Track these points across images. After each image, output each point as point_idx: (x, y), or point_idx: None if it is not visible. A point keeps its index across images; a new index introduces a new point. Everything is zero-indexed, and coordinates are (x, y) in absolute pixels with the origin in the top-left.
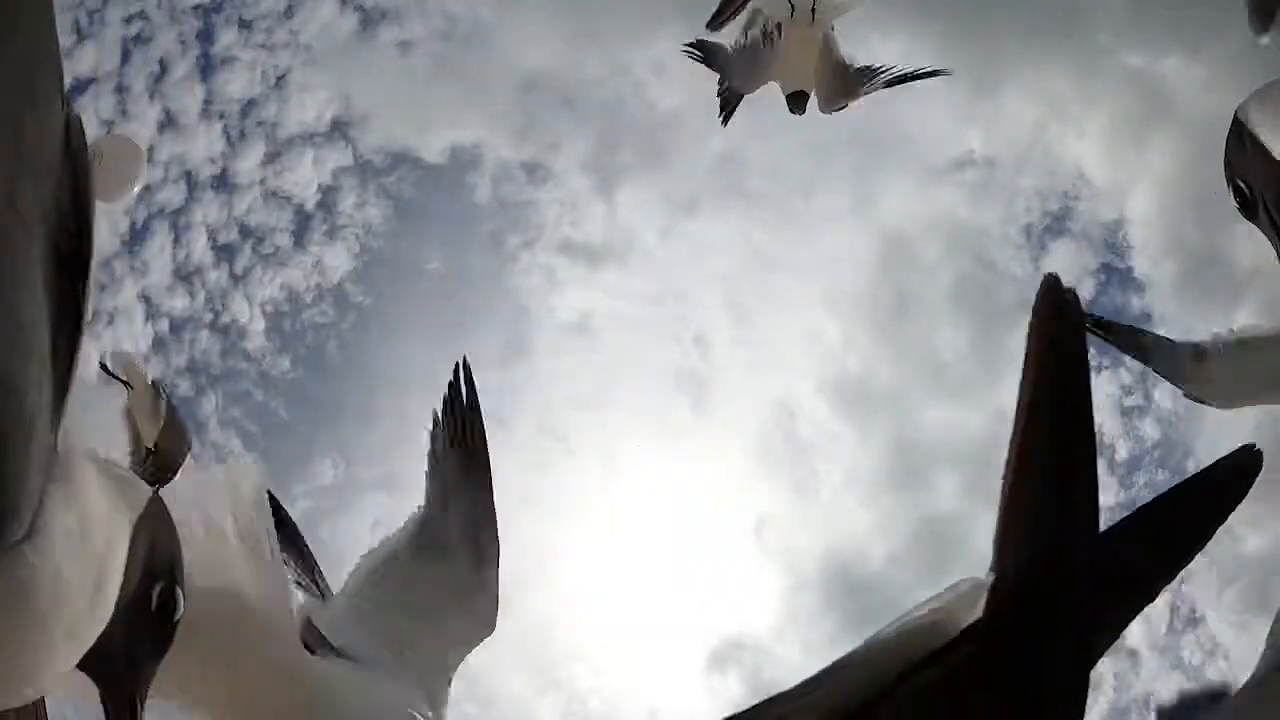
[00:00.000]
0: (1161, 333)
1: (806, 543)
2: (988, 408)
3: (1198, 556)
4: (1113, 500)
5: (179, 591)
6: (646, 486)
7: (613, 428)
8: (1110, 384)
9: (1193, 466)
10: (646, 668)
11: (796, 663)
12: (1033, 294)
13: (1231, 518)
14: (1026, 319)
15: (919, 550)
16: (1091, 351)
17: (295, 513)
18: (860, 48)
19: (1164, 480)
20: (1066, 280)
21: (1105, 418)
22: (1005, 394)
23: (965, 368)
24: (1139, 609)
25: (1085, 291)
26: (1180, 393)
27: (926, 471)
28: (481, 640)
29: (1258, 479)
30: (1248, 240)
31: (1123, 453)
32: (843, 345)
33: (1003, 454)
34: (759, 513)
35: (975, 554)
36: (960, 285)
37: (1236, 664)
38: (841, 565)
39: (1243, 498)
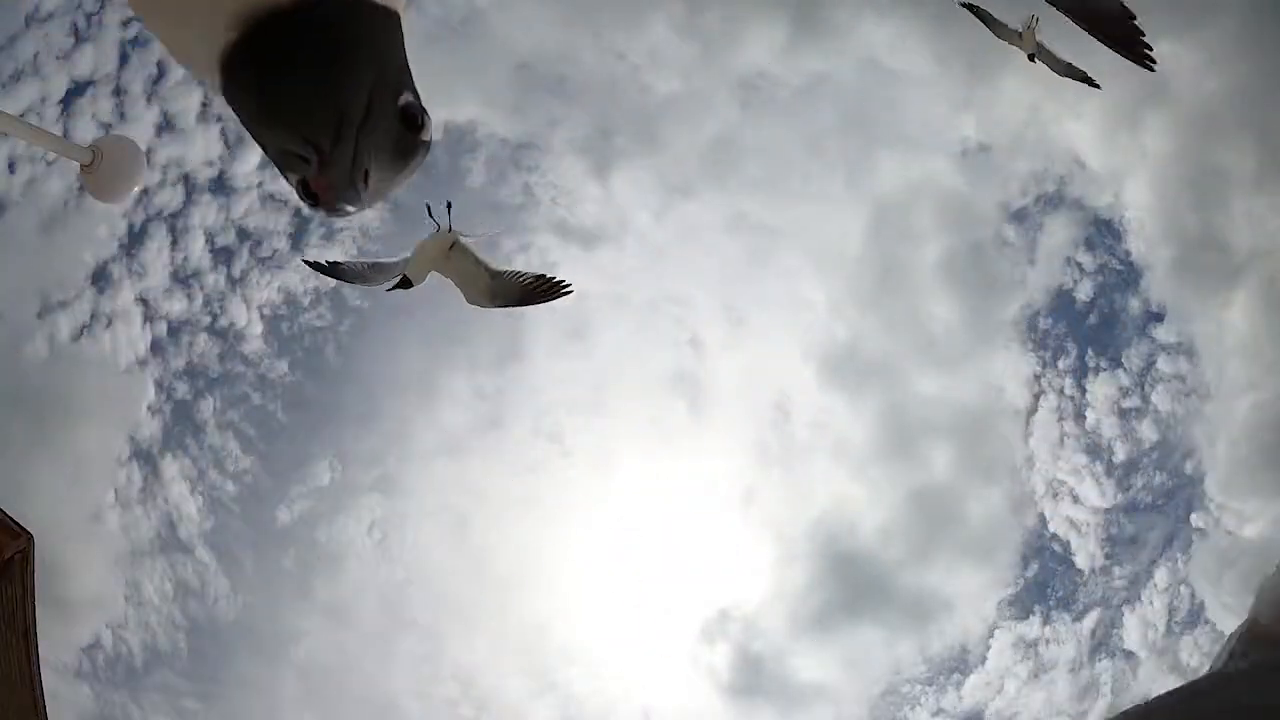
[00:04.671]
0: (1161, 326)
1: (795, 515)
2: (979, 380)
3: (1198, 543)
4: (1110, 502)
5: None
6: (640, 474)
7: (607, 424)
8: (1108, 385)
9: (1190, 469)
10: (642, 657)
11: (784, 635)
12: (1026, 271)
13: (1233, 503)
14: (1018, 296)
15: (909, 522)
16: (1089, 353)
17: (293, 514)
18: (858, 34)
19: (1162, 482)
20: (1063, 258)
21: (1103, 419)
22: (996, 366)
23: (956, 340)
24: None
25: (1083, 287)
26: (1179, 394)
27: (917, 443)
28: None
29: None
30: (1245, 224)
31: (1120, 454)
32: (836, 322)
33: (994, 426)
34: (748, 486)
35: (967, 525)
36: (952, 260)
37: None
38: (830, 537)
39: None
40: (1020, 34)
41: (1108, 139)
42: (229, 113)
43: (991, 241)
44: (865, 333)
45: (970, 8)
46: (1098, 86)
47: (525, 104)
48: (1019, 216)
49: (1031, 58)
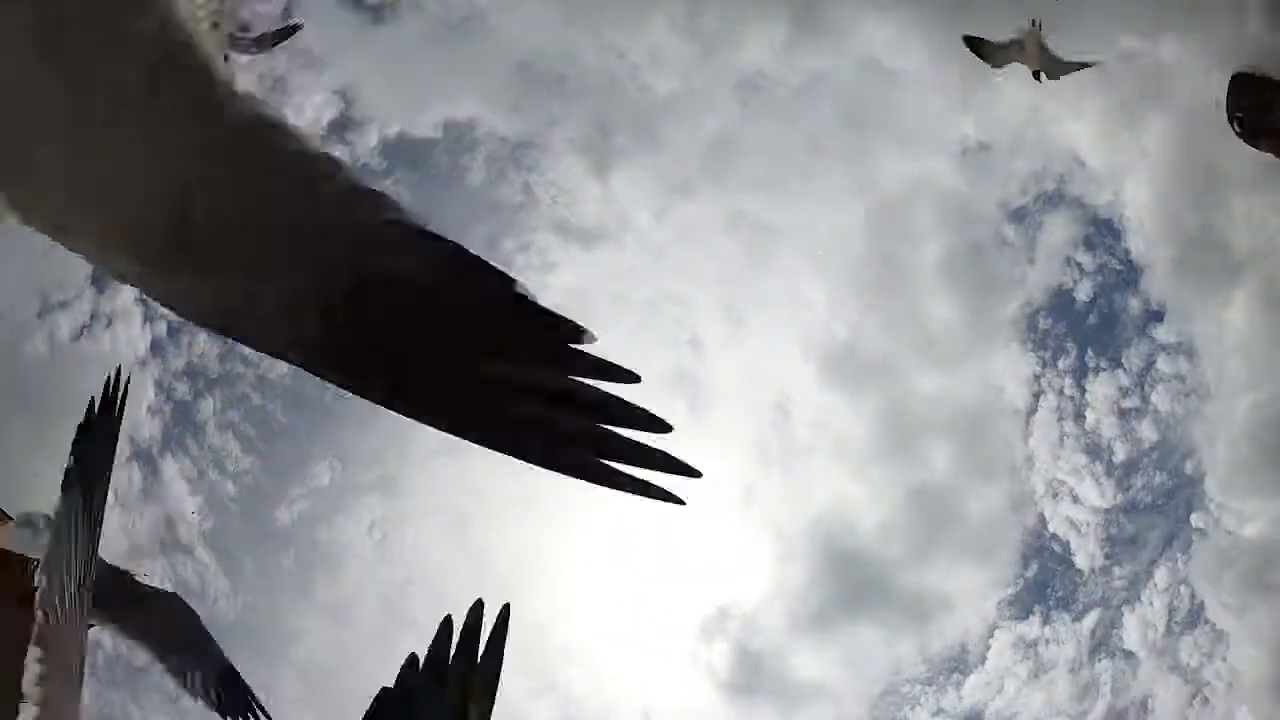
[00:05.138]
0: (1161, 326)
1: (795, 514)
2: (979, 379)
3: (1198, 543)
4: (1110, 502)
5: None
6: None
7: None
8: (1108, 385)
9: (1190, 469)
10: (641, 655)
11: (783, 634)
12: (1025, 268)
13: (1233, 503)
14: (1018, 295)
15: (909, 521)
16: (1088, 353)
17: (292, 514)
18: (858, 33)
19: (1162, 482)
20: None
21: (1103, 419)
22: (995, 365)
23: (956, 339)
24: None
25: (1083, 286)
26: (1178, 394)
27: (917, 442)
28: None
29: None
30: (1244, 223)
31: (1120, 454)
32: (836, 321)
33: (994, 426)
34: (748, 485)
35: (966, 524)
36: (952, 259)
37: (1235, 655)
38: (830, 536)
39: None
40: (1022, 45)
41: (1107, 138)
42: None
43: (991, 240)
44: (865, 331)
45: (969, 41)
46: (1092, 65)
47: (525, 103)
48: (1018, 215)
49: (1038, 75)
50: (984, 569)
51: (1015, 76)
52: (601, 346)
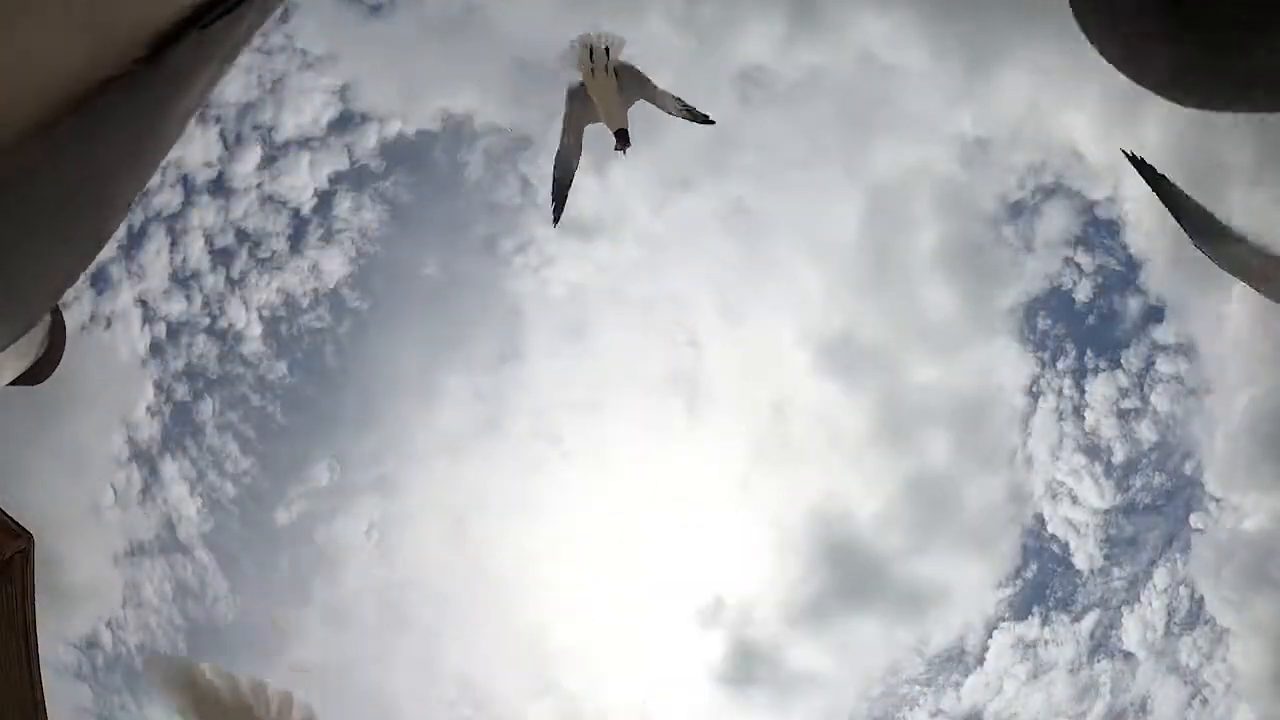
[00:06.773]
0: (1160, 326)
1: (791, 504)
2: (975, 368)
3: (1197, 539)
4: (1109, 503)
5: None
6: (638, 465)
7: (605, 416)
8: (1108, 386)
9: (1190, 469)
10: (640, 651)
11: (780, 624)
12: (1024, 264)
13: (1232, 497)
14: (1015, 288)
15: (905, 511)
16: (1087, 354)
17: (291, 515)
18: (855, 28)
19: (1161, 483)
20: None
21: (1102, 419)
22: (992, 355)
23: (954, 327)
24: None
25: (1082, 286)
26: (1178, 395)
27: (913, 431)
28: None
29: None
30: (1243, 217)
31: (1119, 455)
32: (833, 311)
33: (990, 415)
34: (744, 474)
35: (964, 513)
36: (950, 252)
37: (1235, 650)
38: (826, 526)
39: None
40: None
41: (1105, 132)
42: (226, 113)
43: (989, 235)
44: (861, 321)
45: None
46: None
47: (523, 97)
48: (1016, 209)
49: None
50: (981, 560)
51: (1014, 73)
52: (600, 341)
